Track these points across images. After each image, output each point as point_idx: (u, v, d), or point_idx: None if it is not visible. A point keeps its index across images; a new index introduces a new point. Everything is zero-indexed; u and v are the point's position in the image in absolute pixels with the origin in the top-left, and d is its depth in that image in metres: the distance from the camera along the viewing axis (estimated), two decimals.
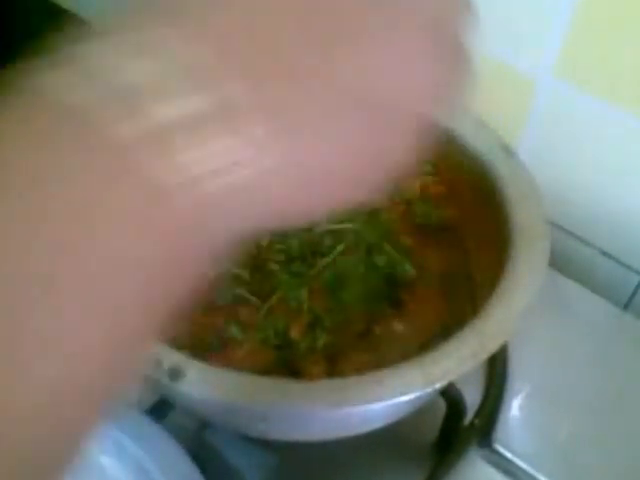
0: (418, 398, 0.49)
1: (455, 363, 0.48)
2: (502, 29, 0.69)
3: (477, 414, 0.63)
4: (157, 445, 0.54)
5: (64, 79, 0.23)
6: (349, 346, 0.53)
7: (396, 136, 0.28)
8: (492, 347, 0.49)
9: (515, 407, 0.65)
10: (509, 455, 0.62)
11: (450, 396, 0.59)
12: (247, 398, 0.46)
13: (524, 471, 0.62)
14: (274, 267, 0.56)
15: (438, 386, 0.48)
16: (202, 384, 0.46)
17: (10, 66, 0.25)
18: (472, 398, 0.62)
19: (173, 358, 0.47)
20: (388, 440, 0.59)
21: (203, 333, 0.53)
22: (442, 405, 0.60)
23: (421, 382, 0.47)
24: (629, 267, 0.75)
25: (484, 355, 0.49)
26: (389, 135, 0.28)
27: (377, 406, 0.48)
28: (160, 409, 0.59)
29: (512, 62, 0.70)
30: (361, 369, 0.51)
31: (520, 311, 0.51)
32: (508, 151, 0.60)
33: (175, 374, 0.46)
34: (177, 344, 0.49)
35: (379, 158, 0.28)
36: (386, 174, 0.28)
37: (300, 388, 0.47)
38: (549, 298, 0.52)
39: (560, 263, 0.68)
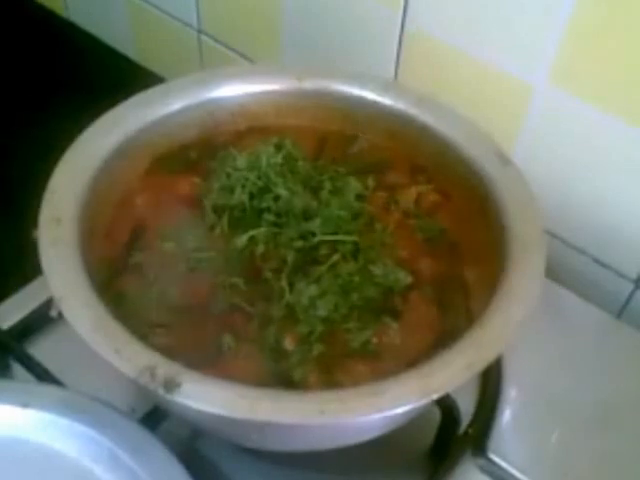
0: (414, 409, 0.49)
1: (452, 374, 0.48)
2: (498, 35, 0.70)
3: (471, 423, 0.63)
4: (150, 454, 0.54)
5: None
6: (345, 356, 0.53)
7: None
8: (489, 357, 0.49)
9: (509, 416, 0.65)
10: (503, 464, 0.62)
11: (445, 405, 0.59)
12: (242, 409, 0.46)
13: None
14: (269, 276, 0.56)
15: (435, 397, 0.47)
16: (197, 395, 0.46)
17: None
18: (466, 407, 0.62)
19: (168, 368, 0.47)
20: (382, 449, 0.59)
21: (198, 343, 0.53)
22: (436, 414, 0.60)
23: (418, 394, 0.47)
24: (623, 275, 0.75)
25: (481, 366, 0.49)
26: None
27: (373, 418, 0.48)
28: (154, 418, 0.59)
29: (508, 68, 0.70)
30: (357, 380, 0.51)
31: (517, 321, 0.50)
32: (504, 159, 0.60)
33: (170, 385, 0.46)
34: (172, 354, 0.48)
35: None
36: None
37: (296, 399, 0.47)
38: (542, 306, 0.52)
39: (553, 271, 0.68)
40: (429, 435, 0.61)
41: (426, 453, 0.62)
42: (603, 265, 0.76)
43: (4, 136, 0.91)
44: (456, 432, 0.61)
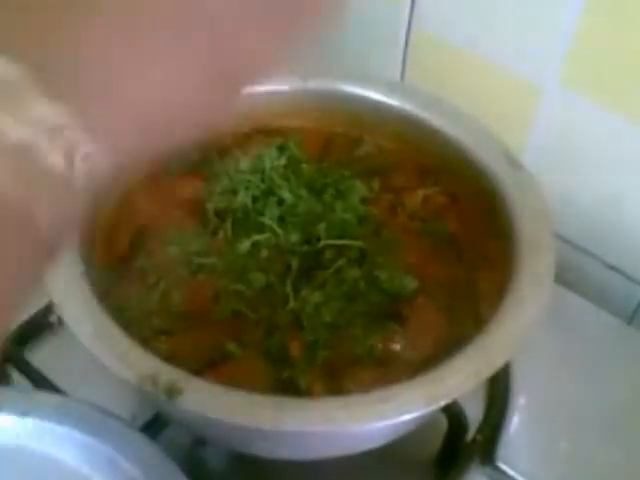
0: (421, 416, 0.48)
1: (459, 381, 0.47)
2: (506, 36, 0.69)
3: (479, 430, 0.62)
4: (151, 463, 0.53)
5: None
6: (350, 363, 0.52)
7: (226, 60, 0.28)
8: (497, 364, 0.48)
9: (518, 423, 0.64)
10: (512, 473, 0.61)
11: (452, 412, 0.58)
12: (246, 417, 0.45)
13: None
14: (273, 281, 0.55)
15: (442, 404, 0.47)
16: (200, 402, 0.45)
17: None
18: (474, 414, 0.62)
19: (170, 375, 0.46)
20: (388, 457, 0.58)
21: (201, 349, 0.52)
22: (443, 421, 0.59)
23: (425, 401, 0.46)
24: (634, 280, 0.74)
25: (489, 372, 0.48)
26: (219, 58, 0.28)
27: (379, 425, 0.47)
28: (155, 426, 0.58)
29: (516, 70, 0.70)
30: (363, 386, 0.50)
31: (526, 327, 0.50)
32: (514, 162, 0.59)
33: (172, 391, 0.45)
34: (175, 360, 0.48)
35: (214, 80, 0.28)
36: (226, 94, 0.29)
37: (300, 406, 0.47)
38: (552, 311, 0.51)
39: (564, 276, 0.67)
40: (436, 443, 0.61)
41: (433, 461, 0.61)
42: (614, 270, 0.75)
43: None
44: (463, 440, 0.60)
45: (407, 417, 0.46)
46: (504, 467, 0.61)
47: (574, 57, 0.66)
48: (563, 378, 0.67)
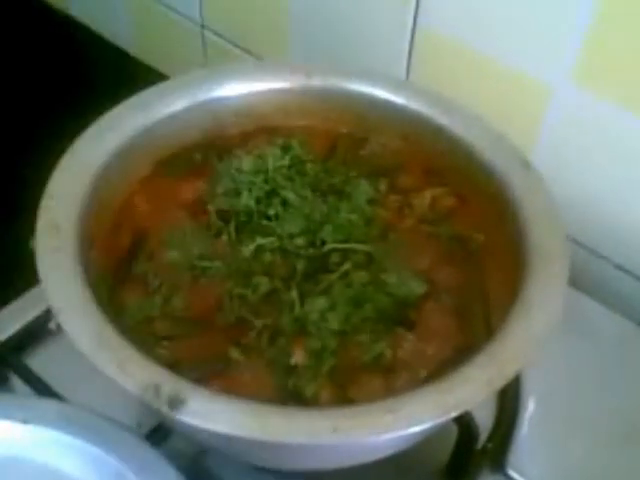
0: (431, 427, 0.47)
1: (471, 391, 0.46)
2: (516, 34, 0.68)
3: (490, 438, 0.61)
4: (157, 472, 0.52)
5: None
6: (358, 370, 0.51)
7: None
8: (509, 373, 0.47)
9: (529, 430, 0.63)
10: None
11: (462, 419, 0.57)
12: (250, 428, 0.44)
13: None
14: (278, 285, 0.54)
15: (454, 415, 0.46)
16: (203, 413, 0.44)
17: None
18: (484, 421, 0.61)
19: (173, 384, 0.45)
20: (397, 465, 0.57)
21: (204, 356, 0.51)
22: (453, 429, 0.58)
23: (436, 411, 0.45)
24: None
25: (501, 382, 0.47)
26: None
27: (387, 436, 0.46)
28: (160, 434, 0.58)
29: (526, 68, 0.69)
30: (371, 395, 0.49)
31: (539, 334, 0.49)
32: (524, 162, 0.58)
33: (175, 402, 0.44)
34: (177, 367, 0.47)
35: None
36: None
37: (307, 416, 0.45)
38: (563, 314, 0.50)
39: (574, 277, 0.66)
40: (445, 451, 0.59)
41: (442, 470, 0.60)
42: (625, 271, 0.74)
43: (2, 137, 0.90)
44: (474, 448, 0.59)
45: (417, 429, 0.45)
46: (515, 475, 0.61)
47: (585, 55, 0.64)
48: (575, 383, 0.66)
